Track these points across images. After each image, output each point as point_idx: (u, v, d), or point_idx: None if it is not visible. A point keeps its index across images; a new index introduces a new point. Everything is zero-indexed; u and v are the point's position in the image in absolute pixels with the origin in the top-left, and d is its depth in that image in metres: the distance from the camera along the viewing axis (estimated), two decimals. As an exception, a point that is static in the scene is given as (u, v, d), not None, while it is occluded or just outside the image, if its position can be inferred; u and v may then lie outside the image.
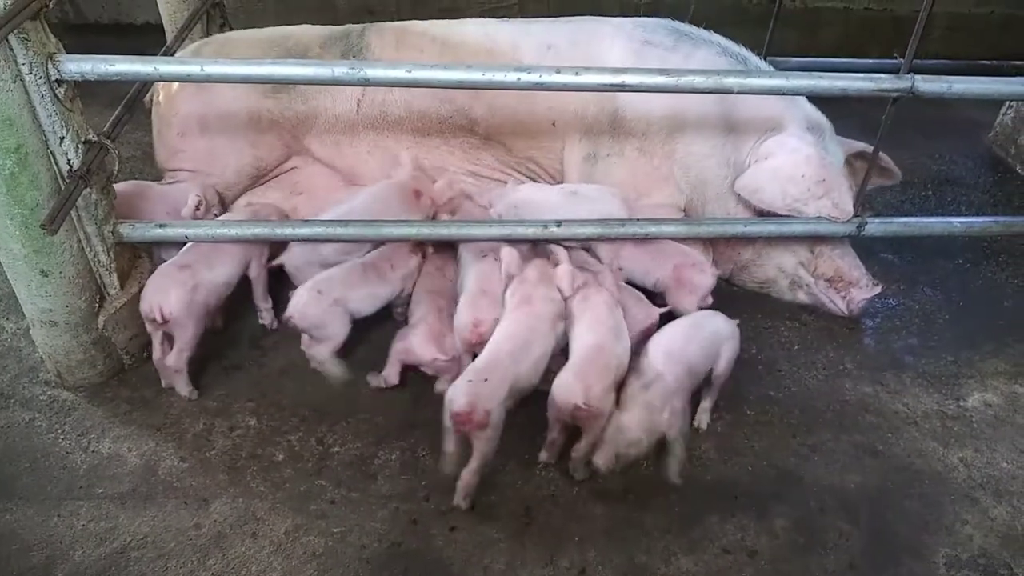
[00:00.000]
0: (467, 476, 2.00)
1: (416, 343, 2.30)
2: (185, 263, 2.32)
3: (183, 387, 2.33)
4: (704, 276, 2.50)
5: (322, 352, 2.33)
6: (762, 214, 2.64)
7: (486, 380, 1.96)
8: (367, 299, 2.39)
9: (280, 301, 2.59)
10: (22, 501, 2.05)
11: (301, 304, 2.27)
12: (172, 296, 2.22)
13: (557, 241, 2.54)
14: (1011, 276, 3.07)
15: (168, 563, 1.91)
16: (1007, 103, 3.94)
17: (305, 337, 2.35)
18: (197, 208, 2.57)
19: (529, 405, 2.11)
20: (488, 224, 2.54)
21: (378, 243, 2.53)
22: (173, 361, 2.27)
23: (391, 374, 2.35)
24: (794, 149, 2.57)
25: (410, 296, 2.50)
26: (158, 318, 2.21)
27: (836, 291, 2.74)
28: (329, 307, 2.28)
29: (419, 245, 2.56)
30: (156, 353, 2.30)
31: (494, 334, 2.14)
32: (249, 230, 2.40)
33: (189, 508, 2.05)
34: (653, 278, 2.58)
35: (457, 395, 1.93)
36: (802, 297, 2.81)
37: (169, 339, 2.28)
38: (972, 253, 3.17)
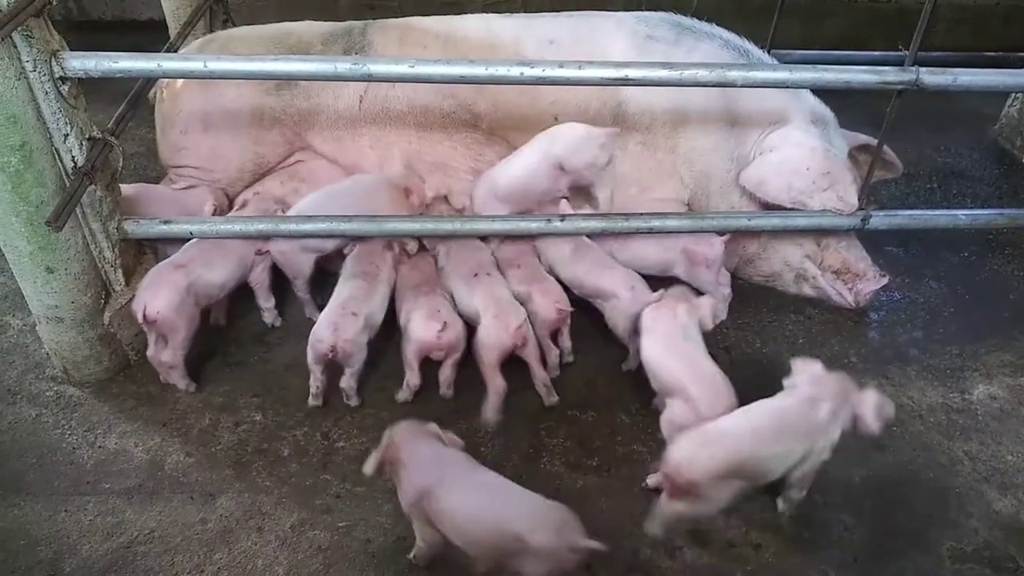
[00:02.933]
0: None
1: (418, 327, 2.26)
2: (181, 262, 2.32)
3: (180, 381, 2.33)
4: (713, 248, 2.55)
5: (352, 380, 2.28)
6: (767, 207, 2.63)
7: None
8: (382, 307, 2.37)
9: (280, 299, 2.61)
10: (29, 496, 2.07)
11: (342, 331, 2.19)
12: (161, 296, 2.21)
13: (561, 235, 2.54)
14: (1017, 269, 3.05)
15: (175, 557, 1.92)
16: (1013, 95, 3.92)
17: (317, 372, 2.27)
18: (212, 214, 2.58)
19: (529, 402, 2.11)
20: (491, 219, 2.54)
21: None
22: (168, 357, 2.27)
23: (412, 376, 2.31)
24: (798, 142, 2.56)
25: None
26: (140, 317, 2.21)
27: (843, 283, 2.73)
28: (363, 327, 2.24)
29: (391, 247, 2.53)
30: (151, 350, 2.29)
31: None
32: (252, 226, 2.41)
33: (195, 503, 2.06)
34: (663, 261, 2.61)
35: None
36: (807, 290, 2.81)
37: (164, 336, 2.27)
38: (977, 246, 3.15)
